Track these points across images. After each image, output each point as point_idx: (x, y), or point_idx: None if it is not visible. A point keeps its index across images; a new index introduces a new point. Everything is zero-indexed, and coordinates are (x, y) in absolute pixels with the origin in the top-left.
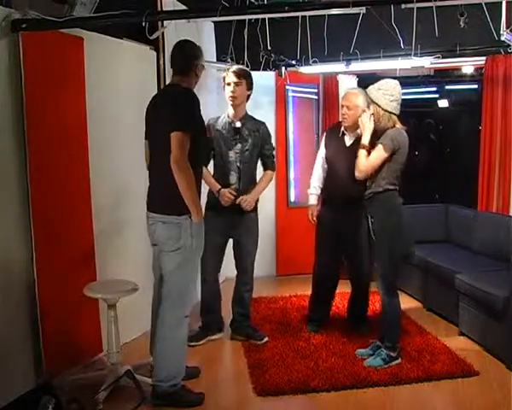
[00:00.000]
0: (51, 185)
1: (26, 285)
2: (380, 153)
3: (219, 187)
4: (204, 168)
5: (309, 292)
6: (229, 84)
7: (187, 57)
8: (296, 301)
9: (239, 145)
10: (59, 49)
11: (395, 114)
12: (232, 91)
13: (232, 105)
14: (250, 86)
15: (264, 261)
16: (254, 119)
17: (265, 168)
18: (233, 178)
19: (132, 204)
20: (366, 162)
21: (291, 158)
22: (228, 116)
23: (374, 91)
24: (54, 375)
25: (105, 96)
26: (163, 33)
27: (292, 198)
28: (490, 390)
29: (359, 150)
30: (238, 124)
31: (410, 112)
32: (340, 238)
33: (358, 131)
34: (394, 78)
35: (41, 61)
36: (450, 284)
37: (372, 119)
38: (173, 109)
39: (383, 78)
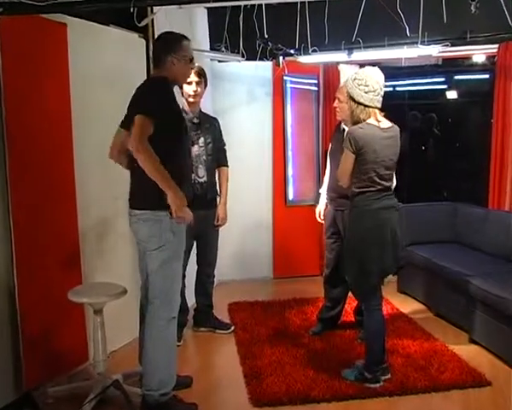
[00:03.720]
0: (32, 181)
1: (6, 290)
2: (344, 157)
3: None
4: None
5: (308, 295)
6: (190, 83)
7: (159, 49)
8: (295, 305)
9: (202, 139)
10: (40, 35)
11: (372, 107)
12: (194, 90)
13: (192, 102)
14: (206, 84)
15: (260, 263)
16: (207, 114)
17: (220, 164)
18: (201, 171)
19: (121, 202)
20: (338, 170)
21: (289, 153)
22: (185, 112)
23: (350, 81)
24: (35, 386)
25: (90, 86)
26: (153, 20)
27: (290, 196)
28: (503, 402)
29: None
30: (196, 119)
31: (417, 104)
32: (340, 235)
33: None
34: (400, 68)
35: (20, 49)
36: (460, 287)
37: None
38: (139, 96)
39: (387, 68)
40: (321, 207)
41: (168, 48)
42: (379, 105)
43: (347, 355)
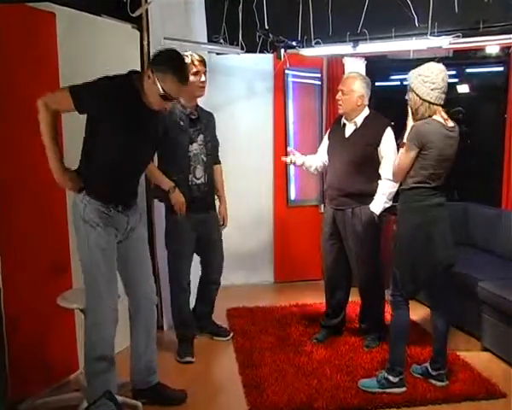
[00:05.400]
0: (20, 180)
1: None
2: (406, 153)
3: (173, 185)
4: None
5: (311, 301)
6: (197, 73)
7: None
8: (297, 311)
9: (201, 136)
10: (26, 25)
11: (437, 104)
12: (203, 81)
13: (198, 96)
14: None
15: (260, 267)
16: (203, 108)
17: (215, 162)
18: (199, 172)
19: None
20: (395, 165)
21: None
22: (182, 107)
23: (413, 78)
24: (21, 398)
25: (81, 79)
26: (147, 10)
27: (292, 196)
28: None
29: (399, 150)
30: (194, 115)
31: None
32: (341, 237)
33: (356, 120)
34: (408, 60)
35: (4, 40)
36: (472, 292)
37: (410, 112)
38: None
39: (394, 60)
40: (297, 159)
41: (154, 60)
42: (442, 103)
43: (353, 364)
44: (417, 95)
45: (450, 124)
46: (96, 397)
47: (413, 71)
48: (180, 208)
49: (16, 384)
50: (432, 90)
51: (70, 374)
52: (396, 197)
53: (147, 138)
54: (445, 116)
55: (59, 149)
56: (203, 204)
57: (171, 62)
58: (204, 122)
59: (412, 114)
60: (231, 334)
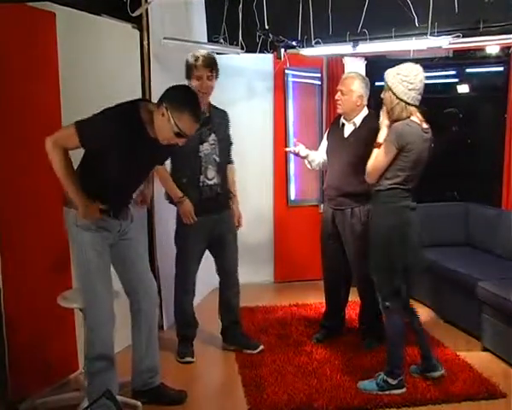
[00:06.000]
0: (19, 180)
1: None
2: (384, 154)
3: (181, 195)
4: (161, 168)
5: (311, 301)
6: (199, 78)
7: (166, 91)
8: (297, 310)
9: (213, 135)
10: (26, 25)
11: (413, 105)
12: (206, 87)
13: (200, 97)
14: (218, 74)
15: (260, 267)
16: (216, 107)
17: (228, 161)
18: (211, 172)
19: None
20: (370, 165)
21: None
22: None
23: (391, 76)
24: (21, 398)
25: (81, 81)
26: (147, 10)
27: (292, 196)
28: None
29: (373, 149)
30: (205, 113)
31: (426, 98)
32: (340, 237)
33: (355, 120)
34: (408, 60)
35: (4, 39)
36: (472, 292)
37: (384, 110)
38: (96, 114)
39: (394, 60)
40: (301, 149)
41: (169, 97)
42: (418, 104)
43: (353, 364)
44: (394, 93)
45: (425, 126)
46: (96, 397)
47: (390, 70)
48: (188, 219)
49: (16, 384)
50: (409, 90)
51: (70, 374)
52: None
53: (150, 163)
54: (421, 117)
55: (77, 182)
56: (216, 205)
57: (188, 101)
58: (216, 121)
59: (388, 113)
60: (261, 347)
